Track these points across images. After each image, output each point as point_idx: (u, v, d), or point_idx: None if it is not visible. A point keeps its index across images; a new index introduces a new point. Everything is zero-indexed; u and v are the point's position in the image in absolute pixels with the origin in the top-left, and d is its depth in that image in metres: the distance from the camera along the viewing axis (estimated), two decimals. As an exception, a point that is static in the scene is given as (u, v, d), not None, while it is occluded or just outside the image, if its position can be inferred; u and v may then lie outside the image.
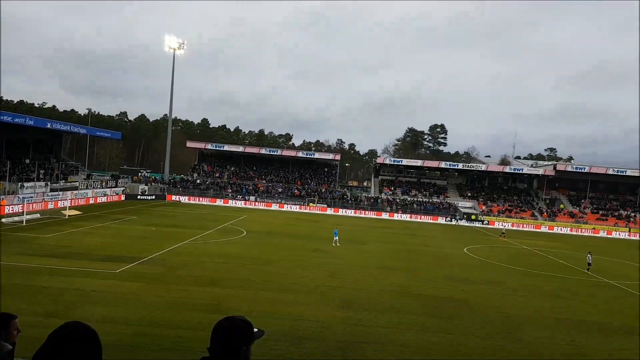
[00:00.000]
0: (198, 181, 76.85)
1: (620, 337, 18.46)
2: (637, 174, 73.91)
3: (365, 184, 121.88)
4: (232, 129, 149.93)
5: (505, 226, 63.32)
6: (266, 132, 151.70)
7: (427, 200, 74.60)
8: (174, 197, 70.53)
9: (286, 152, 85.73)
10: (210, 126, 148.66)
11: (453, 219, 67.97)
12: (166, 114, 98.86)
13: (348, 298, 21.14)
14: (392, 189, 79.48)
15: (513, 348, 16.37)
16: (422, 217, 68.84)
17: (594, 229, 66.79)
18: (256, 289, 21.58)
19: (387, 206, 72.02)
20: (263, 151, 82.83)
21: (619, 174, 73.13)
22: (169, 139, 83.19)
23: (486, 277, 28.47)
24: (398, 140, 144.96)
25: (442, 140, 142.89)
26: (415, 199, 75.20)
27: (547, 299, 24.18)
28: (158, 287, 20.57)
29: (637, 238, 64.04)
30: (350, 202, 73.58)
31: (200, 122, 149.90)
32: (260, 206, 69.18)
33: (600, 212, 72.41)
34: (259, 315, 17.53)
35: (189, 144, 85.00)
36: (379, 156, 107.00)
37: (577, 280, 29.90)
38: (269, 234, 41.00)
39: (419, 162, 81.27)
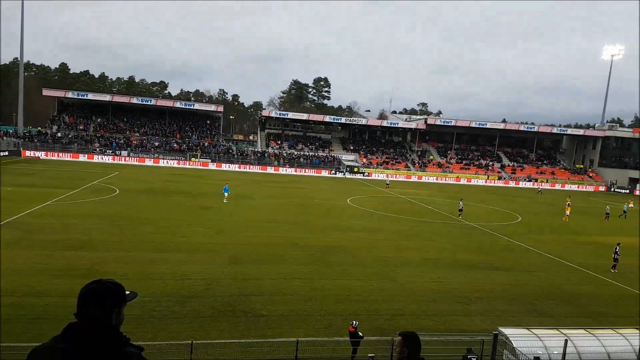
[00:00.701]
0: (59, 134, 68.86)
1: (479, 272, 20.77)
2: (496, 127, 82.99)
3: (251, 137, 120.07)
4: (96, 76, 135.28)
5: (388, 178, 66.94)
6: (137, 80, 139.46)
7: (314, 154, 76.01)
8: (30, 153, 62.75)
9: (162, 102, 79.99)
10: (71, 72, 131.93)
11: (338, 172, 70.40)
12: (17, 58, 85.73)
13: (235, 254, 20.76)
14: (279, 142, 79.42)
15: (389, 287, 17.58)
16: (307, 170, 70.15)
17: (457, 177, 74.04)
18: (134, 250, 20.16)
19: (274, 160, 71.99)
20: (135, 100, 75.71)
21: (480, 126, 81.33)
22: (22, 86, 72.26)
23: (366, 225, 30.03)
24: (283, 93, 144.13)
25: (326, 94, 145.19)
26: (302, 152, 76.16)
27: (417, 241, 26.28)
28: (19, 253, 18.19)
29: (494, 184, 72.62)
30: (236, 156, 72.07)
31: (58, 67, 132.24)
32: (133, 162, 64.51)
33: (464, 162, 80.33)
34: (137, 277, 16.46)
35: (46, 92, 73.94)
36: (265, 109, 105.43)
37: (444, 224, 32.95)
38: (148, 192, 38.49)
39: (304, 116, 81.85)
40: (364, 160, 76.66)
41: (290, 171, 69.36)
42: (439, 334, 12.18)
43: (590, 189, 75.37)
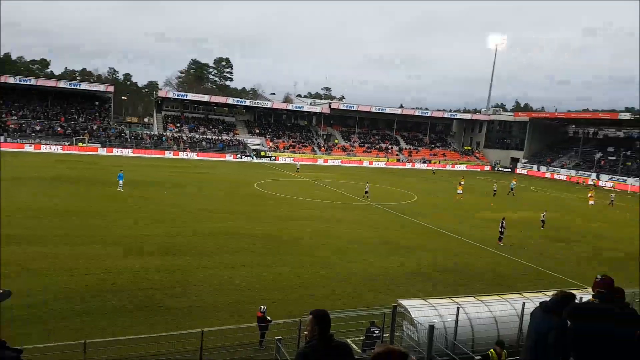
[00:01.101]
0: None
1: (383, 248, 21.77)
2: (394, 112, 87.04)
3: (146, 120, 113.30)
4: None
5: (299, 163, 66.25)
6: (14, 57, 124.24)
7: (217, 137, 73.82)
8: None
9: (43, 82, 72.15)
10: None
11: (244, 156, 69.15)
12: None
13: (141, 246, 19.55)
14: (178, 125, 75.93)
15: (302, 272, 17.74)
16: (211, 155, 67.97)
17: (360, 160, 76.75)
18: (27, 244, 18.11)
19: (173, 144, 68.76)
20: (11, 80, 67.34)
21: (380, 111, 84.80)
22: None
23: (279, 213, 29.93)
24: (182, 73, 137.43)
25: (228, 75, 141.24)
26: (204, 136, 73.60)
27: (328, 224, 26.82)
28: None
29: (393, 166, 76.32)
30: (129, 140, 67.63)
31: None
32: (10, 148, 57.46)
33: (366, 145, 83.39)
34: (40, 272, 14.81)
35: None
36: (161, 89, 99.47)
37: (352, 206, 34.00)
38: (32, 180, 34.77)
39: (205, 97, 78.53)
40: (270, 144, 76.28)
41: (192, 156, 66.73)
42: (345, 311, 12.53)
43: (478, 168, 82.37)
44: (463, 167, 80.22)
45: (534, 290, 14.35)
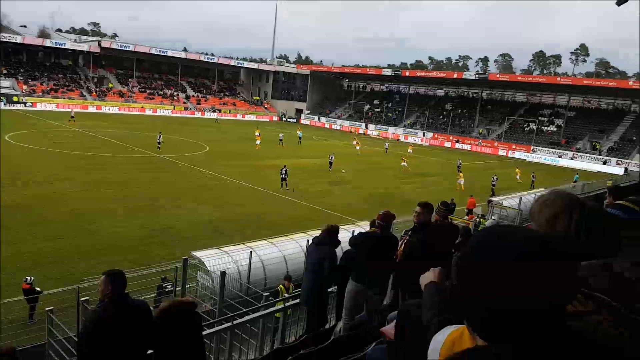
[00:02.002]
0: None
1: (172, 203, 20.99)
2: (177, 55, 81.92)
3: None
4: None
5: (73, 109, 55.77)
6: None
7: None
8: None
9: None
10: None
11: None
12: None
13: None
14: None
15: (90, 242, 15.77)
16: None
17: (142, 107, 71.01)
18: None
19: None
20: None
21: (162, 54, 78.75)
22: None
23: (50, 174, 25.73)
24: None
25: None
26: None
27: (111, 187, 24.37)
28: None
29: (180, 115, 72.82)
30: None
31: None
32: None
33: (147, 91, 77.28)
34: None
35: None
36: None
37: (140, 158, 31.52)
38: None
39: None
40: (24, 87, 63.63)
41: None
42: (136, 269, 11.79)
43: (266, 119, 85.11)
44: (253, 117, 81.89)
45: (317, 228, 15.87)
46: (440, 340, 1.27)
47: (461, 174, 32.86)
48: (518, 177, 36.55)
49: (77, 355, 4.45)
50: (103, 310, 4.13)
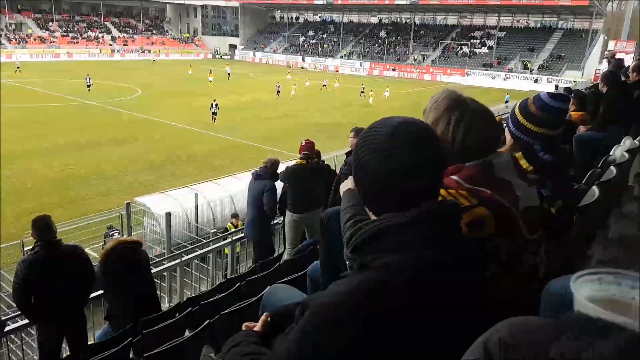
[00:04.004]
0: None
1: (108, 149, 20.36)
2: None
3: None
4: None
5: (18, 60, 50.80)
6: None
7: None
8: None
9: None
10: None
11: None
12: None
13: None
14: None
15: (6, 187, 15.19)
16: None
17: (68, 53, 65.70)
18: None
19: None
20: None
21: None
22: None
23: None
24: None
25: None
26: None
27: (34, 130, 23.03)
28: None
29: (109, 58, 67.93)
30: None
31: None
32: None
33: (71, 35, 71.23)
34: None
35: None
36: None
37: (65, 107, 29.69)
38: None
39: None
40: None
41: None
42: (77, 220, 11.64)
43: (201, 57, 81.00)
44: (186, 56, 77.48)
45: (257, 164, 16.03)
46: None
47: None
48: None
49: (16, 306, 4.52)
50: (30, 258, 4.15)
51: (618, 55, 22.96)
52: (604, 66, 20.76)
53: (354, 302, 0.97)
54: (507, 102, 35.14)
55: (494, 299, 1.10)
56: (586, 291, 0.75)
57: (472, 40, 66.33)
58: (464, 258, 1.07)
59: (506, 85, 52.57)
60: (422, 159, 1.05)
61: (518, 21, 68.38)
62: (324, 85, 44.47)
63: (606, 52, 36.29)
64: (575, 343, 0.55)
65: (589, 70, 51.19)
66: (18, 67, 46.13)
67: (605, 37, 57.90)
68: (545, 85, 49.38)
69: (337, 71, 66.62)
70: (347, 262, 1.42)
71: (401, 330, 0.96)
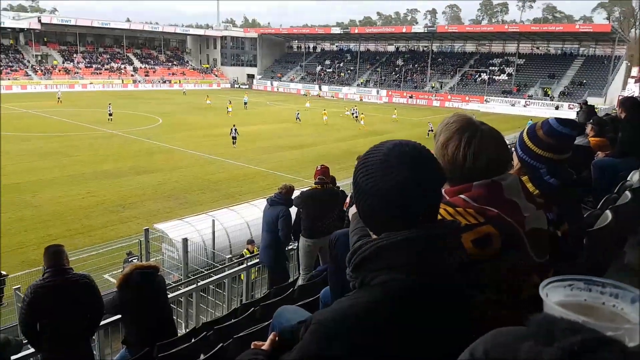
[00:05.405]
0: None
1: (129, 178, 20.76)
2: (121, 27, 78.18)
3: None
4: None
5: (59, 90, 52.73)
6: None
7: None
8: None
9: None
10: None
11: None
12: None
13: None
14: None
15: (31, 214, 15.60)
16: None
17: (90, 83, 67.90)
18: None
19: None
20: None
21: (104, 26, 75.19)
22: None
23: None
24: None
25: None
26: None
27: (56, 159, 23.66)
28: None
29: (130, 89, 70.08)
30: None
31: None
32: None
33: (94, 66, 73.78)
34: None
35: None
36: None
37: (81, 136, 30.52)
38: None
39: None
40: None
41: None
42: (97, 246, 11.84)
43: (221, 86, 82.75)
44: (206, 86, 79.36)
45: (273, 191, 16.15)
46: None
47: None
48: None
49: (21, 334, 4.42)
50: (38, 284, 4.10)
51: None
52: (629, 92, 20.40)
53: (351, 318, 1.04)
54: (529, 127, 34.69)
55: (473, 326, 1.10)
56: (557, 296, 0.80)
57: (490, 68, 66.28)
58: (447, 282, 1.12)
59: (526, 112, 51.95)
60: (416, 178, 1.08)
61: (538, 48, 68.27)
62: (354, 115, 43.55)
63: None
64: (537, 345, 0.58)
65: (611, 97, 50.56)
66: (59, 98, 48.19)
67: (629, 63, 57.33)
68: (567, 112, 48.40)
69: (361, 99, 66.93)
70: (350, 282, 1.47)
71: (391, 346, 1.02)
